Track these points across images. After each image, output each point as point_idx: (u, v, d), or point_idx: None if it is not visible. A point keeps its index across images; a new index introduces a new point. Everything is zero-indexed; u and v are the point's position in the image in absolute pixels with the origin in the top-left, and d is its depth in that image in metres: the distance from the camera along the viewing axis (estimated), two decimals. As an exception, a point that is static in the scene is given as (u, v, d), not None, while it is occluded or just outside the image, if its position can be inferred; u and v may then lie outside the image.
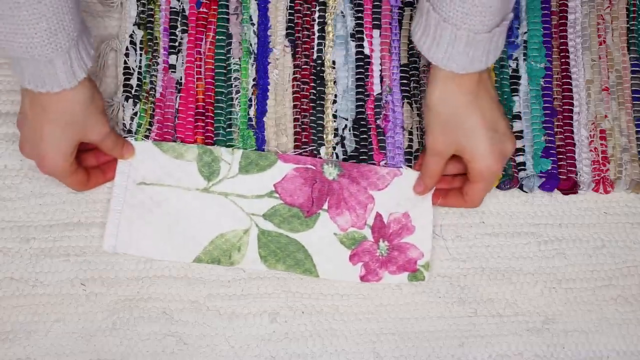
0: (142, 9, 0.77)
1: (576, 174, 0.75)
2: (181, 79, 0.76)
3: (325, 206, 0.73)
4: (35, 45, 0.60)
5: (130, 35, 0.77)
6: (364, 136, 0.75)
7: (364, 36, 0.78)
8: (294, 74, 0.77)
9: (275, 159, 0.74)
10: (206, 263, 0.72)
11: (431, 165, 0.70)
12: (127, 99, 0.75)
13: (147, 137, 0.74)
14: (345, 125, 0.76)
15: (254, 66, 0.77)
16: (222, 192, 0.73)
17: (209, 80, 0.76)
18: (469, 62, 0.63)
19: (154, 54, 0.77)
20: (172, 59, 0.77)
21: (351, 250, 0.73)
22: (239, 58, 0.77)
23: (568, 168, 0.75)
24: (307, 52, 0.77)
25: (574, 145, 0.76)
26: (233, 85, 0.76)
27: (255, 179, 0.74)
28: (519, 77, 0.77)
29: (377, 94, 0.77)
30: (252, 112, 0.76)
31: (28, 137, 0.68)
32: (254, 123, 0.76)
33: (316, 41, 0.78)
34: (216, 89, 0.76)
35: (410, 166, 0.74)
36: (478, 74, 0.65)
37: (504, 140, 0.68)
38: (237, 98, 0.76)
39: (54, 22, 0.60)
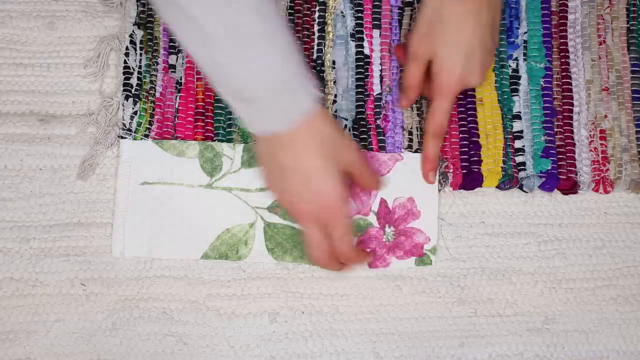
0: (142, 9, 0.77)
1: (576, 174, 0.75)
2: (181, 79, 0.76)
3: None
4: (277, 77, 0.60)
5: (130, 35, 0.77)
6: (364, 136, 0.75)
7: (364, 36, 0.78)
8: (294, 74, 0.77)
9: None
10: (214, 259, 0.72)
11: (409, 71, 0.72)
12: (127, 98, 0.75)
13: (146, 136, 0.74)
14: (345, 125, 0.76)
15: (254, 66, 0.77)
16: (226, 187, 0.73)
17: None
18: None
19: (154, 53, 0.77)
20: (172, 59, 0.77)
21: (357, 238, 0.73)
22: (239, 58, 0.77)
23: (568, 168, 0.75)
24: (307, 52, 0.77)
25: (574, 145, 0.76)
26: (233, 85, 0.76)
27: (258, 172, 0.74)
28: (519, 77, 0.77)
29: (377, 94, 0.77)
30: (252, 112, 0.76)
31: (295, 188, 0.65)
32: (254, 123, 0.76)
33: (316, 41, 0.78)
34: (216, 89, 0.76)
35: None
36: None
37: (473, 70, 0.70)
38: (237, 98, 0.76)
39: (290, 55, 0.61)
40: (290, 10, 0.78)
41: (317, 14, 0.78)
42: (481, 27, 0.69)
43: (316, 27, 0.78)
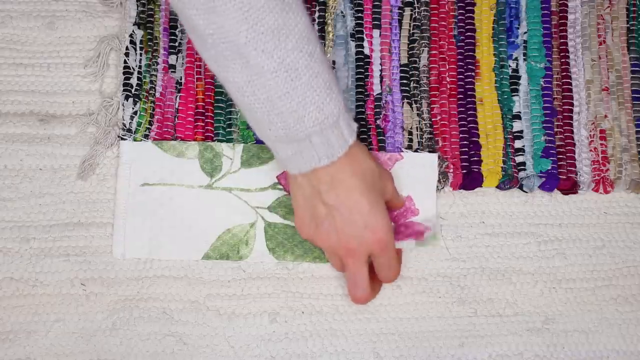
0: (142, 9, 0.77)
1: (576, 174, 0.75)
2: (181, 79, 0.76)
3: None
4: (327, 112, 0.60)
5: (130, 35, 0.77)
6: (364, 136, 0.75)
7: (364, 36, 0.78)
8: (294, 73, 0.77)
9: None
10: (215, 259, 0.72)
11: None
12: (127, 97, 0.75)
13: (146, 136, 0.74)
14: (345, 125, 0.76)
15: (254, 66, 0.77)
16: (226, 188, 0.73)
17: (209, 80, 0.76)
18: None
19: (154, 53, 0.77)
20: (172, 59, 0.77)
21: None
22: (239, 58, 0.77)
23: (568, 168, 0.75)
24: (307, 52, 0.77)
25: (573, 145, 0.76)
26: (233, 85, 0.76)
27: (258, 172, 0.74)
28: (519, 77, 0.77)
29: (377, 94, 0.77)
30: (252, 112, 0.76)
31: (343, 227, 0.65)
32: (254, 123, 0.76)
33: (316, 41, 0.78)
34: (216, 89, 0.76)
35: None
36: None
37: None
38: (237, 98, 0.76)
39: (335, 88, 0.61)
40: (290, 10, 0.78)
41: (317, 14, 0.78)
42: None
43: (316, 27, 0.78)
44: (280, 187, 0.74)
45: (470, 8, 0.79)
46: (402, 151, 0.75)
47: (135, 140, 0.74)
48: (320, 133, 0.61)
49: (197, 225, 0.73)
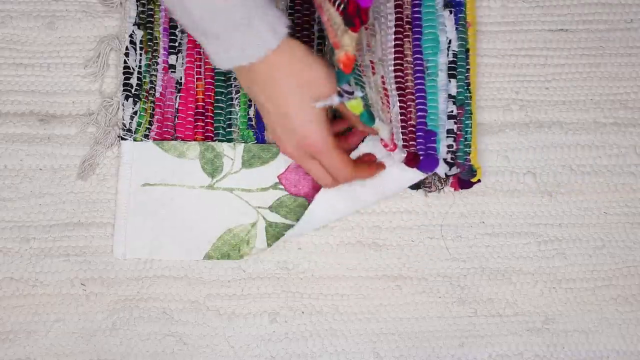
0: (142, 9, 0.77)
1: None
2: (181, 79, 0.76)
3: None
4: (235, 12, 0.59)
5: (130, 35, 0.77)
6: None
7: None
8: (294, 73, 0.77)
9: (278, 150, 0.74)
10: (216, 259, 0.72)
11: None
12: (127, 97, 0.75)
13: (146, 136, 0.74)
14: (345, 125, 0.76)
15: (254, 66, 0.77)
16: (227, 188, 0.74)
17: (209, 80, 0.76)
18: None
19: (154, 53, 0.77)
20: (172, 59, 0.77)
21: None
22: (239, 58, 0.77)
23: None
24: (307, 52, 0.77)
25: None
26: (233, 85, 0.76)
27: (259, 172, 0.74)
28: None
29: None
30: (251, 112, 0.76)
31: (276, 129, 0.65)
32: (253, 123, 0.76)
33: (316, 41, 0.78)
34: (216, 89, 0.76)
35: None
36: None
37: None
38: (236, 98, 0.76)
39: None
40: (290, 11, 0.78)
41: (317, 14, 0.78)
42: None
43: (316, 27, 0.78)
44: (282, 187, 0.74)
45: None
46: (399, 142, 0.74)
47: (135, 140, 0.74)
48: (233, 32, 0.60)
49: (198, 225, 0.73)
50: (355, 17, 0.58)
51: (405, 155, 0.71)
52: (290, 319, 0.72)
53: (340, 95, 0.63)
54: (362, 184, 0.71)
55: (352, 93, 0.64)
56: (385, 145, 0.71)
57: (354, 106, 0.65)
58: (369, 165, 0.70)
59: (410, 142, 0.72)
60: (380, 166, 0.71)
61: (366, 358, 0.71)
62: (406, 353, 0.72)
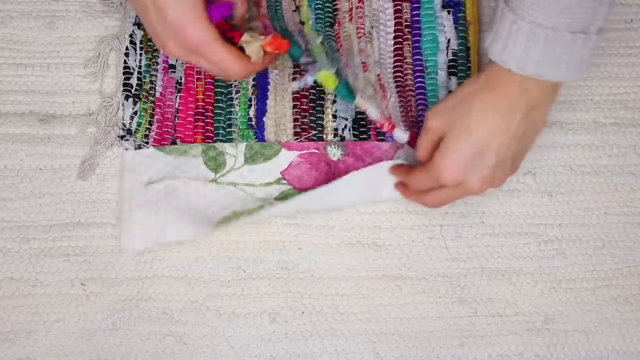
0: (142, 8, 0.77)
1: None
2: (181, 79, 0.76)
3: None
4: None
5: (130, 35, 0.77)
6: (364, 136, 0.75)
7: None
8: (293, 74, 0.77)
9: (279, 147, 0.74)
10: (227, 224, 0.71)
11: (421, 143, 0.67)
12: (127, 98, 0.75)
13: (146, 136, 0.74)
14: (345, 125, 0.76)
15: (254, 66, 0.77)
16: (231, 182, 0.74)
17: (209, 80, 0.76)
18: (527, 60, 0.58)
19: (154, 53, 0.77)
20: (172, 59, 0.77)
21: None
22: (239, 58, 0.77)
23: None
24: (307, 52, 0.77)
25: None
26: (233, 85, 0.76)
27: (262, 168, 0.74)
28: None
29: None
30: (252, 112, 0.76)
31: (154, 27, 0.63)
32: (253, 123, 0.76)
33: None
34: (216, 89, 0.76)
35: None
36: (525, 90, 0.60)
37: (473, 173, 0.64)
38: (237, 98, 0.76)
39: None
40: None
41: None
42: (505, 133, 0.62)
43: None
44: (285, 182, 0.74)
45: None
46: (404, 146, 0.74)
47: (135, 140, 0.74)
48: None
49: (203, 211, 0.72)
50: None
51: (408, 135, 0.71)
52: (290, 319, 0.72)
53: (305, 70, 0.62)
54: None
55: (314, 63, 0.63)
56: (381, 126, 0.72)
57: (325, 78, 0.64)
58: (268, 55, 0.68)
59: (413, 130, 0.73)
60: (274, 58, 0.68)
61: (366, 358, 0.71)
62: (406, 353, 0.72)
